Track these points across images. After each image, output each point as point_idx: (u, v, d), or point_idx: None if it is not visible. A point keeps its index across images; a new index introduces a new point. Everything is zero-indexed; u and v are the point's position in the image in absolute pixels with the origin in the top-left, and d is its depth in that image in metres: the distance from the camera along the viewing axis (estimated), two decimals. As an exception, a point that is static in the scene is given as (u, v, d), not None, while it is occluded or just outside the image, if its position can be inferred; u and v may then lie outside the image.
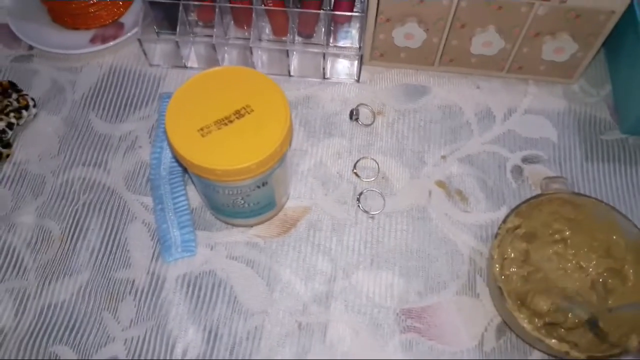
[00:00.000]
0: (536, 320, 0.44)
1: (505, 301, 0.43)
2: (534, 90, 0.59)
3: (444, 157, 0.55)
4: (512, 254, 0.46)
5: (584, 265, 0.47)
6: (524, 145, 0.55)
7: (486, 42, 0.55)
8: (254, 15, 0.57)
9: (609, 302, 0.46)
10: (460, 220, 0.52)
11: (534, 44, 0.55)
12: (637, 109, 0.53)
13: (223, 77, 0.44)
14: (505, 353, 0.46)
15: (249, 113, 0.42)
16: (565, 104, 0.58)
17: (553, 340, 0.41)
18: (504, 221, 0.45)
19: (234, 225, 0.50)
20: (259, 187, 0.44)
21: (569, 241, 0.47)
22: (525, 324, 0.42)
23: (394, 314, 0.48)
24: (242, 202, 0.45)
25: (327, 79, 0.59)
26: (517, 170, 0.54)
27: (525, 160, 0.55)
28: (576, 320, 0.44)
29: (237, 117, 0.42)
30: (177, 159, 0.42)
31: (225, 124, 0.41)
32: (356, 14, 0.56)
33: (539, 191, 0.52)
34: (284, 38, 0.59)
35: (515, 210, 0.45)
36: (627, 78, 0.56)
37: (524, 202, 0.45)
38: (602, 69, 0.60)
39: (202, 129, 0.41)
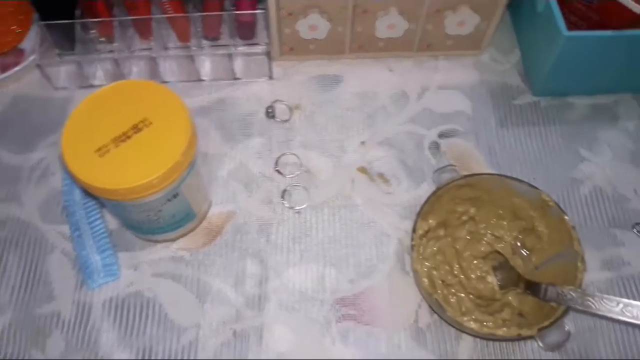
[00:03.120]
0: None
1: (445, 311, 0.42)
2: (445, 66, 0.59)
3: (363, 142, 0.55)
4: (435, 248, 0.47)
5: (499, 235, 0.48)
6: (440, 121, 0.56)
7: (390, 24, 0.55)
8: (154, 24, 0.55)
9: (533, 260, 0.47)
10: (385, 202, 0.52)
11: (437, 20, 0.55)
12: (544, 70, 0.54)
13: (118, 93, 0.43)
14: (440, 326, 0.47)
15: (147, 126, 0.41)
16: (476, 75, 0.59)
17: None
18: (414, 230, 0.45)
19: (156, 241, 0.49)
20: (169, 200, 0.43)
21: (476, 217, 0.48)
22: (473, 325, 0.42)
23: (328, 305, 0.48)
24: (156, 217, 0.44)
25: (238, 79, 0.58)
26: (435, 146, 0.55)
27: (441, 135, 0.55)
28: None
29: (135, 132, 0.41)
30: (78, 184, 0.41)
31: (123, 141, 0.40)
32: (258, 11, 0.56)
33: (457, 164, 0.53)
34: (189, 44, 0.58)
35: (419, 216, 0.45)
36: (532, 41, 0.57)
37: (424, 203, 0.46)
38: (510, 35, 0.61)
39: (99, 149, 0.40)
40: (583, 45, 0.49)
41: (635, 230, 0.51)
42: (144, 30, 0.58)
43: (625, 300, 0.39)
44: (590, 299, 0.40)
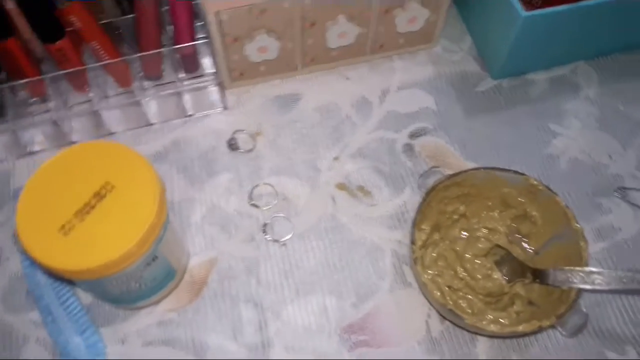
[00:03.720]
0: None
1: (463, 319, 0.40)
2: (400, 65, 0.58)
3: (336, 158, 0.53)
4: (434, 254, 0.46)
5: (492, 227, 0.47)
6: (407, 122, 0.54)
7: (341, 33, 0.53)
8: (90, 74, 0.51)
9: (531, 247, 0.47)
10: (370, 216, 0.50)
11: (387, 20, 0.54)
12: (503, 53, 0.53)
13: (70, 160, 0.39)
14: (453, 333, 0.45)
15: (110, 191, 0.37)
16: (433, 69, 0.58)
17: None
18: (413, 242, 0.43)
19: (139, 308, 0.45)
20: (149, 264, 0.39)
21: (467, 213, 0.47)
22: (493, 327, 0.40)
23: (336, 336, 0.45)
24: (137, 285, 0.40)
25: (191, 115, 0.55)
26: (408, 148, 0.53)
27: (412, 136, 0.54)
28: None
29: (98, 200, 0.37)
30: (44, 269, 0.37)
31: (87, 212, 0.36)
32: (200, 42, 0.52)
33: (433, 163, 0.52)
34: (131, 88, 0.54)
35: (415, 226, 0.44)
36: (482, 25, 0.57)
37: (416, 214, 0.44)
38: (458, 23, 0.60)
39: (63, 227, 0.36)
40: (541, 23, 0.48)
41: (618, 195, 0.51)
42: (78, 82, 0.53)
43: (628, 272, 0.39)
44: (598, 276, 0.40)
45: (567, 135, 0.54)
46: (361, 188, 0.51)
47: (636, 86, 0.56)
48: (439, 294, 0.43)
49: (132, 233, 0.36)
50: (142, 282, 0.40)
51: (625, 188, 0.51)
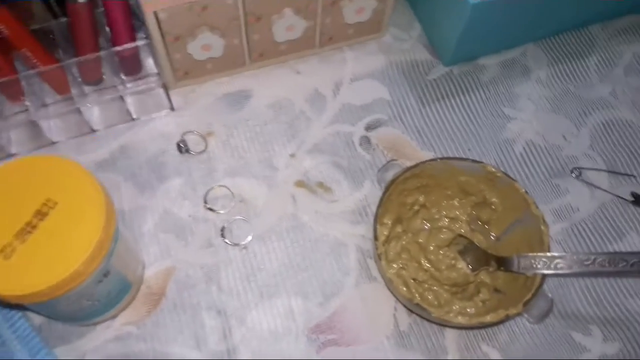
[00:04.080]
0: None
1: (430, 313, 0.40)
2: (351, 56, 0.57)
3: (292, 155, 0.52)
4: (398, 248, 0.45)
5: (453, 216, 0.47)
6: (362, 114, 0.54)
7: (288, 26, 0.52)
8: (24, 82, 0.48)
9: (492, 233, 0.47)
10: (332, 212, 0.49)
11: (335, 12, 0.52)
12: (452, 40, 0.52)
13: (10, 176, 0.36)
14: (421, 325, 0.45)
15: (52, 208, 0.35)
16: (384, 59, 0.57)
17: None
18: (376, 238, 0.42)
19: (95, 324, 0.43)
20: (101, 281, 0.37)
21: (427, 204, 0.47)
22: (460, 319, 0.40)
23: (304, 337, 0.44)
24: (90, 302, 0.38)
25: (136, 119, 0.52)
26: (365, 141, 0.52)
27: (368, 127, 0.53)
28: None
29: (39, 219, 0.34)
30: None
31: (29, 232, 0.34)
32: (140, 43, 0.50)
33: (391, 155, 0.51)
34: (70, 94, 0.51)
35: (377, 221, 0.43)
36: (431, 13, 0.56)
37: (378, 208, 0.43)
38: (406, 11, 0.60)
39: (3, 250, 0.33)
40: (489, 9, 0.48)
41: (573, 175, 0.51)
42: (12, 92, 0.50)
43: (590, 255, 0.39)
44: (560, 260, 0.40)
45: (521, 118, 0.54)
46: (321, 184, 0.50)
47: (584, 65, 0.57)
48: (405, 289, 0.42)
49: (79, 251, 0.33)
50: (96, 298, 0.38)
51: (580, 168, 0.52)
